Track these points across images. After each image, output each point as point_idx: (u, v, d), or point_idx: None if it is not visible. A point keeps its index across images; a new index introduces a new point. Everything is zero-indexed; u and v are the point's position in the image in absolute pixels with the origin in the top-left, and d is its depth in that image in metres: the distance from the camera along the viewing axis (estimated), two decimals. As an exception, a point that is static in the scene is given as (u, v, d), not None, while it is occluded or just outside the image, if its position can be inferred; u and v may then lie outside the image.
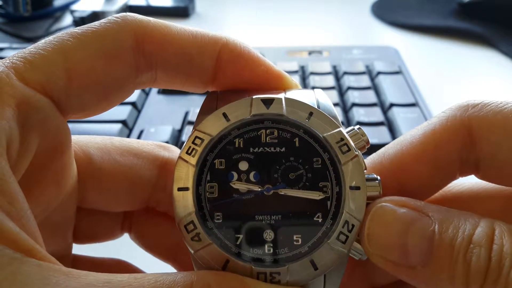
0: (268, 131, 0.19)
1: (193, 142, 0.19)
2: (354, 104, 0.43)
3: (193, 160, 0.19)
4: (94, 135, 0.22)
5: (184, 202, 0.18)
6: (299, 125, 0.19)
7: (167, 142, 0.39)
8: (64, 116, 0.18)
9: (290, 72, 0.50)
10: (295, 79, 0.50)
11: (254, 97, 0.19)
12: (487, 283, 0.15)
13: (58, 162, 0.19)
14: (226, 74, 0.20)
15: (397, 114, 0.42)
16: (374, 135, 0.39)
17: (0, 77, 0.16)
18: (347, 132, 0.19)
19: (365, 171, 0.18)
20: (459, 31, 0.64)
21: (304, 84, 0.48)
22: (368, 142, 0.19)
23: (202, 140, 0.19)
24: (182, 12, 0.73)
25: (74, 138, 0.20)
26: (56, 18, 0.72)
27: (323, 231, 0.18)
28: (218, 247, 0.18)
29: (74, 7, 0.73)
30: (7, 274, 0.13)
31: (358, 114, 0.42)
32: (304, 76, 0.50)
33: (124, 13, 0.20)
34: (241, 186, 0.19)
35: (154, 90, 0.48)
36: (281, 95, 0.20)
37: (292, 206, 0.18)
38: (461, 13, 0.67)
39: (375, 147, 0.38)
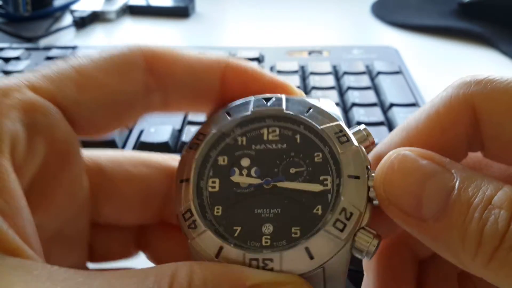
0: (270, 129, 0.19)
1: (196, 138, 0.20)
2: (354, 104, 0.43)
3: (195, 154, 0.19)
4: (105, 148, 0.22)
5: (184, 193, 0.19)
6: (299, 120, 0.19)
7: (167, 142, 0.39)
8: (74, 129, 0.18)
9: (290, 72, 0.50)
10: (295, 79, 0.51)
11: (255, 96, 0.20)
12: (503, 248, 0.14)
13: (68, 172, 0.19)
14: (233, 89, 0.21)
15: (397, 114, 0.42)
16: (374, 135, 0.38)
17: (10, 85, 0.16)
18: (350, 129, 0.19)
19: (368, 166, 0.18)
20: (459, 31, 0.64)
21: (304, 84, 0.48)
22: (373, 142, 0.19)
23: (205, 135, 0.19)
24: (182, 12, 0.73)
25: (84, 151, 0.21)
26: (56, 18, 0.72)
27: (322, 222, 0.17)
28: (212, 233, 0.18)
29: (74, 7, 0.73)
30: None
31: (358, 114, 0.42)
32: (304, 76, 0.50)
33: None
34: (242, 180, 0.19)
35: (154, 90, 0.48)
36: (282, 95, 0.20)
37: (292, 199, 0.18)
38: (461, 13, 0.67)
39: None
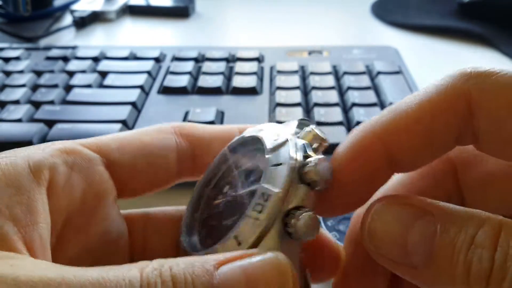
0: (242, 156, 0.21)
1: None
2: (354, 104, 0.43)
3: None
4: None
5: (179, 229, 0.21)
6: (255, 138, 0.20)
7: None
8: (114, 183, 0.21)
9: (290, 72, 0.50)
10: (295, 79, 0.51)
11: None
12: (491, 286, 0.15)
13: (104, 214, 0.20)
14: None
15: (397, 114, 0.42)
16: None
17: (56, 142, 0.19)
18: (300, 133, 0.20)
19: (311, 155, 0.18)
20: (459, 31, 0.64)
21: (304, 84, 0.48)
22: (324, 139, 0.20)
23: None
24: (182, 12, 0.73)
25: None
26: (56, 18, 0.72)
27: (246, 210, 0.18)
28: (185, 244, 0.20)
29: (74, 7, 0.73)
30: None
31: (358, 114, 0.42)
32: (304, 76, 0.50)
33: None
34: (218, 201, 0.21)
35: (154, 90, 0.48)
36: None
37: (244, 203, 0.19)
38: (461, 13, 0.67)
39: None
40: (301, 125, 0.21)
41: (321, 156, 0.18)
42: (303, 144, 0.19)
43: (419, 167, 0.19)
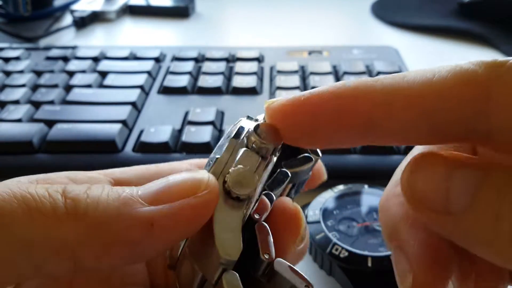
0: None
1: None
2: (354, 104, 0.43)
3: None
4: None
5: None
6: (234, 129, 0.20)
7: (167, 142, 0.39)
8: None
9: (290, 72, 0.50)
10: (295, 79, 0.50)
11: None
12: None
13: None
14: None
15: (397, 114, 0.42)
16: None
17: None
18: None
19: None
20: (459, 31, 0.64)
21: (304, 84, 0.48)
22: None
23: None
24: (182, 12, 0.73)
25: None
26: (56, 18, 0.72)
27: None
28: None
29: (74, 7, 0.73)
30: None
31: (358, 114, 0.42)
32: (304, 76, 0.50)
33: None
34: None
35: (154, 90, 0.48)
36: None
37: None
38: (461, 13, 0.67)
39: (375, 147, 0.38)
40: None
41: (262, 122, 0.18)
42: (254, 122, 0.19)
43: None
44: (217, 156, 0.18)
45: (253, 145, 0.18)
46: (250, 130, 0.18)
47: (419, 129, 0.16)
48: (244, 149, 0.18)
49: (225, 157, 0.17)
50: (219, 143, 0.19)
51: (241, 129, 0.18)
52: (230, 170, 0.17)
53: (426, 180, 0.16)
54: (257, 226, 0.18)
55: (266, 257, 0.17)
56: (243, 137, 0.18)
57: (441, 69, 0.15)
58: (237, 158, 0.17)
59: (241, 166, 0.17)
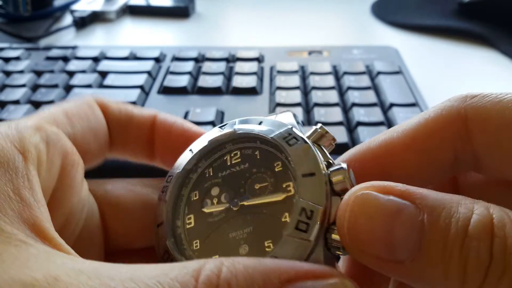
0: (232, 153, 0.20)
1: (166, 181, 0.20)
2: (354, 104, 0.43)
3: (166, 197, 0.20)
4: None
5: (160, 236, 0.19)
6: (252, 135, 0.19)
7: (167, 142, 0.39)
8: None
9: (290, 72, 0.50)
10: (295, 79, 0.50)
11: (213, 128, 0.21)
12: (489, 280, 0.14)
13: (79, 183, 0.20)
14: (162, 143, 0.23)
15: (397, 114, 0.42)
16: (375, 135, 0.39)
17: (17, 121, 0.19)
18: (306, 133, 0.19)
19: (332, 161, 0.18)
20: (459, 31, 0.64)
21: (304, 84, 0.48)
22: (334, 139, 0.19)
23: (172, 177, 0.20)
24: (182, 12, 0.73)
25: (88, 181, 0.22)
26: (56, 18, 0.72)
27: (285, 228, 0.16)
28: None
29: (74, 7, 0.73)
30: (14, 252, 0.13)
31: (358, 114, 0.42)
32: (304, 76, 0.50)
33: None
34: (213, 209, 0.19)
35: (154, 90, 0.48)
36: (236, 119, 0.20)
37: (259, 214, 0.18)
38: (461, 13, 0.67)
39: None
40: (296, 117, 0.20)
41: (343, 164, 0.17)
42: (322, 147, 0.18)
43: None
44: (319, 207, 0.16)
45: (343, 191, 0.16)
46: (337, 171, 0.17)
47: (420, 168, 0.18)
48: (337, 199, 0.17)
49: (326, 210, 0.16)
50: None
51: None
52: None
53: (367, 226, 0.15)
54: None
55: None
56: (328, 177, 0.17)
57: (425, 113, 0.18)
58: (335, 209, 0.16)
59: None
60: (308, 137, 0.18)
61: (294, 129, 0.18)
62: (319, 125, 0.19)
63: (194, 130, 0.23)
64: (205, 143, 0.20)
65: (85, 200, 0.21)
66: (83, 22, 0.70)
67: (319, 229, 0.16)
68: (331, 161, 0.18)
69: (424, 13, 0.70)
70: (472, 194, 0.18)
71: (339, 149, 0.38)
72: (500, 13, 0.64)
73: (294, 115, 0.20)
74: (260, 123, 0.19)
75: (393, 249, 0.15)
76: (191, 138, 0.22)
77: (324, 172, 0.17)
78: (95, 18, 0.72)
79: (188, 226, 0.19)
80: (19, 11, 0.66)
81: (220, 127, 0.20)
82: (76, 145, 0.20)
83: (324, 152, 0.18)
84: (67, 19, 0.72)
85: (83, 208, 0.21)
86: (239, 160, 0.19)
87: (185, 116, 0.43)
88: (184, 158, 0.20)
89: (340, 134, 0.39)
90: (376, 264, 0.16)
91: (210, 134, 0.20)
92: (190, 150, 0.20)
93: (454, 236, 0.14)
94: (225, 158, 0.20)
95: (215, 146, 0.20)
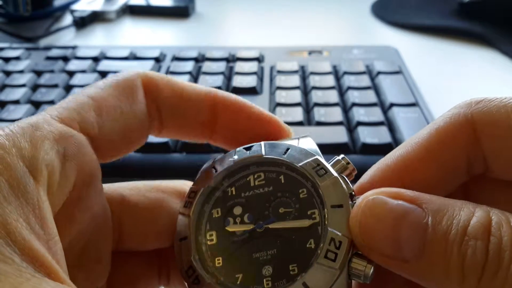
0: (255, 175, 0.20)
1: (189, 197, 0.21)
2: (354, 104, 0.43)
3: (189, 212, 0.20)
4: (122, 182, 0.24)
5: (184, 251, 0.20)
6: (279, 161, 0.20)
7: (167, 142, 0.39)
8: (96, 154, 0.20)
9: (290, 72, 0.50)
10: (295, 79, 0.50)
11: (237, 148, 0.21)
12: (485, 277, 0.15)
13: (93, 196, 0.20)
14: (223, 121, 0.22)
15: (397, 114, 0.42)
16: (374, 135, 0.39)
17: (39, 118, 0.18)
18: (329, 162, 0.19)
19: (353, 192, 0.18)
20: (459, 31, 0.64)
21: (304, 84, 0.48)
22: (354, 169, 0.20)
23: (196, 193, 0.21)
24: (182, 12, 0.73)
25: (105, 185, 0.22)
26: (56, 18, 0.72)
27: (315, 255, 0.18)
28: (216, 285, 0.18)
29: (74, 7, 0.73)
30: None
31: (358, 114, 0.42)
32: (304, 76, 0.50)
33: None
34: (236, 228, 0.20)
35: (154, 90, 0.48)
36: (262, 142, 0.21)
37: (285, 238, 0.19)
38: (461, 13, 0.67)
39: (375, 147, 0.38)
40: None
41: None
42: (345, 178, 0.19)
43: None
44: (347, 237, 0.17)
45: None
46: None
47: (437, 177, 0.19)
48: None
49: (352, 240, 0.18)
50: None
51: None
52: (361, 260, 0.17)
53: (377, 226, 0.17)
54: None
55: None
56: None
57: (435, 122, 0.19)
58: None
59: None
60: (333, 167, 0.19)
61: (320, 159, 0.19)
62: (342, 155, 0.20)
63: (257, 111, 0.23)
64: (231, 163, 0.21)
65: (99, 210, 0.21)
66: (83, 22, 0.70)
67: (346, 258, 0.17)
68: (353, 192, 0.19)
69: (424, 13, 0.70)
70: (482, 200, 0.19)
71: (339, 149, 0.38)
72: (500, 13, 0.64)
73: (313, 142, 0.21)
74: (287, 150, 0.20)
75: (399, 248, 0.16)
76: (256, 119, 0.22)
77: (351, 204, 0.18)
78: (95, 18, 0.72)
79: (209, 243, 0.20)
80: (19, 11, 0.66)
81: (245, 148, 0.21)
82: (103, 139, 0.20)
83: (348, 183, 0.19)
84: (67, 19, 0.72)
85: (97, 217, 0.21)
86: (263, 182, 0.20)
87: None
88: (209, 175, 0.21)
89: (340, 134, 0.39)
90: (384, 262, 0.17)
91: (236, 153, 0.21)
92: (214, 167, 0.21)
93: (454, 236, 0.15)
94: (248, 179, 0.20)
95: (240, 167, 0.21)
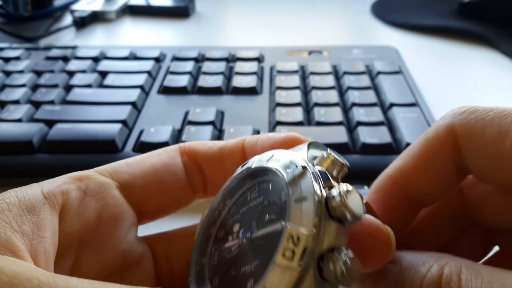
0: (252, 189, 0.20)
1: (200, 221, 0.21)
2: (354, 104, 0.43)
3: (195, 236, 0.21)
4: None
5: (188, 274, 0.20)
6: (266, 169, 0.19)
7: (167, 142, 0.39)
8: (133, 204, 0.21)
9: (290, 72, 0.50)
10: (295, 79, 0.50)
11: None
12: None
13: (120, 236, 0.21)
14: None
15: (397, 114, 0.42)
16: (374, 135, 0.39)
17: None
18: (316, 160, 0.18)
19: (336, 186, 0.17)
20: (459, 31, 0.64)
21: (304, 84, 0.48)
22: (342, 164, 0.18)
23: (203, 215, 0.21)
24: (182, 12, 0.73)
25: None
26: (56, 18, 0.72)
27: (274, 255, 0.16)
28: None
29: (74, 7, 0.73)
30: None
31: (358, 114, 0.42)
32: (304, 76, 0.50)
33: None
34: (230, 244, 0.19)
35: (154, 90, 0.48)
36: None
37: (265, 246, 0.17)
38: (461, 13, 0.67)
39: (375, 147, 0.38)
40: (313, 147, 0.19)
41: (348, 187, 0.16)
42: (324, 172, 0.17)
43: (436, 201, 0.22)
44: (304, 232, 0.15)
45: (342, 217, 0.16)
46: (336, 195, 0.16)
47: (433, 183, 0.21)
48: (335, 224, 0.16)
49: (314, 234, 0.15)
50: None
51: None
52: (333, 257, 0.15)
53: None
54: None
55: None
56: (324, 201, 0.16)
57: (427, 130, 0.21)
58: (331, 236, 0.16)
59: (342, 250, 0.15)
60: (311, 162, 0.18)
61: (296, 156, 0.18)
62: (329, 150, 0.18)
63: (278, 138, 0.22)
64: (228, 181, 0.20)
65: (129, 250, 0.21)
66: (83, 22, 0.70)
67: (306, 255, 0.15)
68: (334, 184, 0.17)
69: (424, 13, 0.70)
70: (476, 204, 0.21)
71: (340, 149, 0.38)
72: (500, 13, 0.64)
73: (314, 143, 0.20)
74: (271, 156, 0.19)
75: None
76: (276, 145, 0.22)
77: (317, 197, 0.16)
78: (95, 18, 0.72)
79: (212, 264, 0.19)
80: (19, 11, 0.66)
81: (242, 166, 0.20)
82: (135, 186, 0.21)
83: (328, 177, 0.17)
84: (67, 19, 0.72)
85: (127, 256, 0.21)
86: (257, 194, 0.19)
87: (185, 116, 0.43)
88: (213, 199, 0.21)
89: (340, 134, 0.39)
90: None
91: (235, 173, 0.21)
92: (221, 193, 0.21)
93: None
94: (246, 195, 0.20)
95: (236, 184, 0.20)
